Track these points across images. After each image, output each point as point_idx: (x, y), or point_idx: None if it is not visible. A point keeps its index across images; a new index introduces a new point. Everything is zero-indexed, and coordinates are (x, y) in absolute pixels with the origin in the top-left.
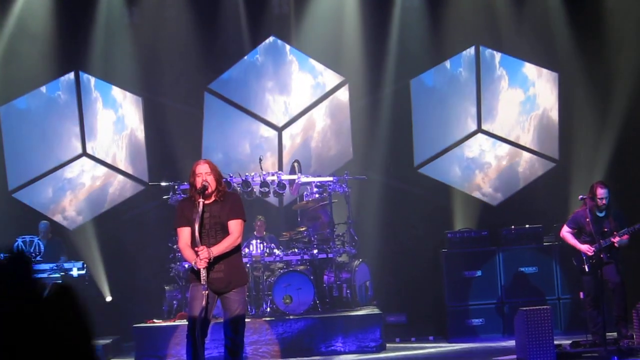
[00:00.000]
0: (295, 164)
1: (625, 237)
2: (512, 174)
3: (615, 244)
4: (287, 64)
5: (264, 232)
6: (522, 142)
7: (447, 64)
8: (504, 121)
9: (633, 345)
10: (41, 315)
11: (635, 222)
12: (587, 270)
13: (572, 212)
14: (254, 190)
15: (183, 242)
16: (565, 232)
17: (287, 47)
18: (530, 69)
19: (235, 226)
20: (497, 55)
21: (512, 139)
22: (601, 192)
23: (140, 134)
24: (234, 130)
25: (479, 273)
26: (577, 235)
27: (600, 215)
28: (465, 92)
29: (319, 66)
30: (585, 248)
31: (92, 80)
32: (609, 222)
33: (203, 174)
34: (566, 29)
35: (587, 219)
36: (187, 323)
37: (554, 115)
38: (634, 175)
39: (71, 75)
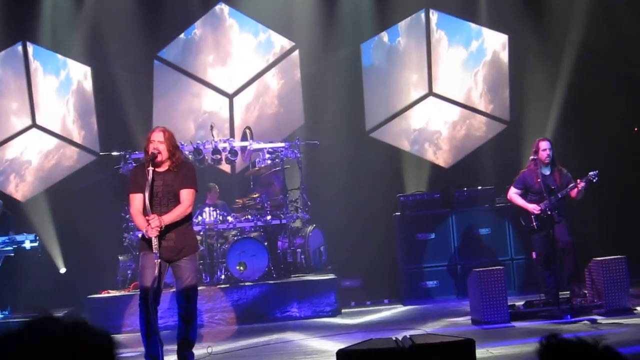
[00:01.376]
0: (247, 131)
1: (574, 192)
2: (464, 137)
3: (575, 196)
4: (236, 30)
5: (217, 200)
6: (473, 105)
7: (398, 27)
8: (455, 84)
9: (585, 303)
10: None
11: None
12: (535, 228)
13: None
14: (206, 157)
15: (135, 208)
16: (512, 194)
17: (237, 13)
18: (480, 32)
19: (186, 195)
20: (447, 18)
21: (462, 101)
22: (543, 144)
23: (90, 104)
24: (184, 98)
25: (432, 235)
26: (524, 195)
27: (546, 172)
28: (415, 56)
29: (269, 32)
30: (531, 207)
31: (40, 50)
32: (555, 179)
33: (156, 141)
34: None
35: (538, 179)
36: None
37: (505, 77)
38: (583, 137)
39: (18, 46)
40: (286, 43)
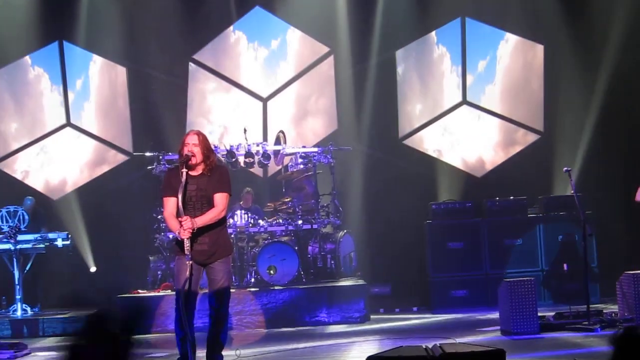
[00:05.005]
0: (280, 135)
1: None
2: (497, 146)
3: None
4: (272, 34)
5: (251, 204)
6: (507, 114)
7: (433, 35)
8: (489, 93)
9: (616, 317)
10: None
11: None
12: None
13: (556, 184)
14: (239, 160)
15: (168, 212)
16: None
17: (273, 17)
18: (515, 41)
19: (220, 199)
20: (482, 27)
21: (496, 110)
22: None
23: (125, 104)
24: (219, 101)
25: (463, 245)
26: None
27: None
28: (450, 64)
29: (304, 37)
30: None
31: (76, 50)
32: None
33: (190, 144)
34: (552, 0)
35: None
36: (171, 294)
37: (539, 87)
38: (617, 147)
39: (55, 45)
40: (322, 48)
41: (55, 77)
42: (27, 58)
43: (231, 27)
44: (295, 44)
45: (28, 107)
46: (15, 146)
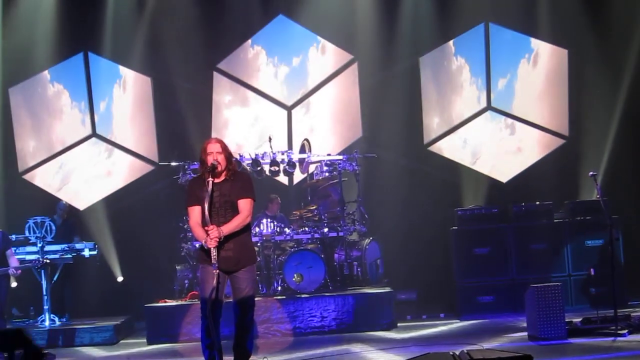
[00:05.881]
0: (305, 143)
1: None
2: (522, 151)
3: None
4: (295, 42)
5: (277, 212)
6: (531, 119)
7: (457, 40)
8: (513, 98)
9: None
10: None
11: None
12: None
13: (582, 189)
14: (264, 169)
15: (193, 220)
16: None
17: (297, 25)
18: (539, 46)
19: (244, 205)
20: (506, 32)
21: (521, 116)
22: None
23: (150, 114)
24: (243, 110)
25: (489, 250)
26: None
27: None
28: (474, 70)
29: (328, 45)
30: None
31: (101, 60)
32: None
33: (214, 152)
34: (577, 5)
35: None
36: (198, 303)
37: (564, 92)
38: None
39: (80, 56)
40: (345, 55)
41: (80, 88)
42: (53, 69)
43: (254, 36)
44: (319, 52)
45: (54, 118)
46: (42, 157)
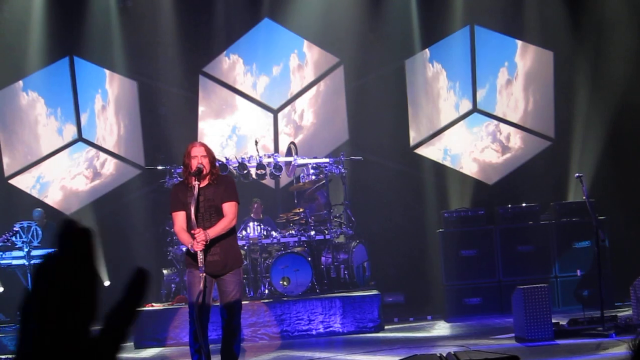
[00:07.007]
0: (292, 146)
1: None
2: (508, 153)
3: None
4: (281, 46)
5: (261, 215)
6: (517, 121)
7: (442, 43)
8: (499, 101)
9: (631, 322)
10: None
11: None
12: None
13: (568, 191)
14: (251, 172)
15: (178, 226)
16: None
17: (282, 28)
18: (524, 48)
19: (229, 208)
20: (491, 35)
21: (507, 118)
22: None
23: (136, 118)
24: (229, 113)
25: (475, 252)
26: None
27: None
28: (459, 72)
29: (313, 48)
30: None
31: (86, 64)
32: None
33: (199, 156)
34: (561, 7)
35: None
36: (186, 307)
37: (550, 94)
38: (630, 152)
39: (65, 60)
40: (331, 59)
41: (66, 92)
42: (38, 73)
43: (240, 40)
44: (305, 55)
45: (40, 123)
46: (27, 162)
